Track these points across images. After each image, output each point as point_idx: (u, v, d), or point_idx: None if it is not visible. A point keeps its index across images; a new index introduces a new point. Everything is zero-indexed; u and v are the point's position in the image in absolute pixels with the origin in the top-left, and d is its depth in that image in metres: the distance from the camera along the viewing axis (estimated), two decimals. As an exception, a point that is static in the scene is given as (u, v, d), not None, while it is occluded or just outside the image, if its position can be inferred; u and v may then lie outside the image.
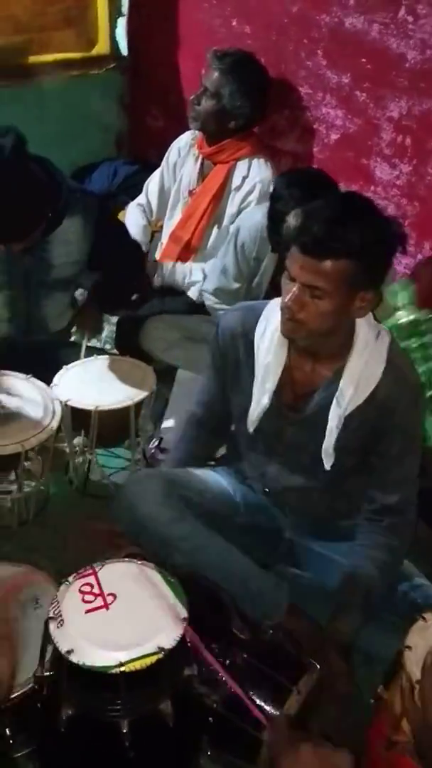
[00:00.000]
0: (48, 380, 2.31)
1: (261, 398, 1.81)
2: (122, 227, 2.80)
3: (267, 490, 1.98)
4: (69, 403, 2.22)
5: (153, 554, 1.80)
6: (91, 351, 2.77)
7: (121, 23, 3.58)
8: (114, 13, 3.55)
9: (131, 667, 1.23)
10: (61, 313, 2.64)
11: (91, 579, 1.39)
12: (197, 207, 2.93)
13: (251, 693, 1.54)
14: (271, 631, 1.66)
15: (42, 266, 2.44)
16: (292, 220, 1.59)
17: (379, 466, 1.80)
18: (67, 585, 1.41)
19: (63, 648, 1.25)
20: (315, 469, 1.83)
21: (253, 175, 2.83)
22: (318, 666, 1.61)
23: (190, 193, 3.00)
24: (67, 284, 2.56)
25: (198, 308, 2.90)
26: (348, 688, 1.71)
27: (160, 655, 1.26)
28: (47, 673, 1.30)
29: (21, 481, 2.18)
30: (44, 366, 2.45)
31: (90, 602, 1.33)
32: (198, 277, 2.88)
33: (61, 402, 2.22)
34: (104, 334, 3.07)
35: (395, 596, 1.83)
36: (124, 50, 3.64)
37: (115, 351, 2.93)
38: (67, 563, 2.07)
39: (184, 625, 1.32)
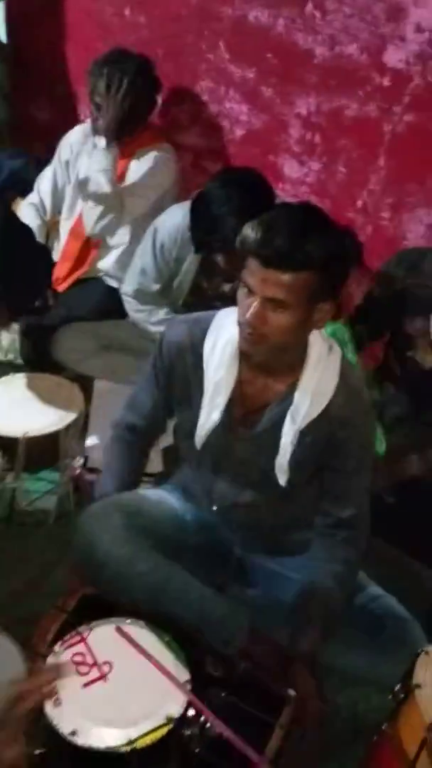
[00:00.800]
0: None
1: (210, 414, 1.75)
2: (28, 231, 2.63)
3: (214, 508, 1.92)
4: (-7, 429, 2.06)
5: (111, 592, 1.71)
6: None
7: (0, 9, 3.35)
8: (-9, -3, 3.32)
9: (142, 743, 1.14)
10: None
11: (82, 647, 1.28)
12: None
13: (234, 733, 1.49)
14: (243, 664, 1.61)
15: None
16: (250, 232, 1.52)
17: (333, 481, 1.78)
18: (55, 655, 1.28)
19: (65, 730, 1.14)
20: (265, 485, 1.79)
21: (158, 169, 2.72)
22: (294, 695, 1.58)
23: None
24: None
25: (108, 313, 2.78)
26: (318, 707, 1.69)
27: (171, 726, 1.17)
28: (37, 751, 1.18)
29: None
30: None
31: (85, 674, 1.22)
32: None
33: (-18, 429, 2.06)
34: (5, 343, 2.89)
35: (353, 609, 1.82)
36: (3, 37, 3.41)
37: (20, 362, 2.77)
38: (2, 605, 1.97)
39: (188, 688, 1.24)
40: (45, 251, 2.62)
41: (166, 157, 2.73)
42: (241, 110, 2.78)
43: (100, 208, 2.68)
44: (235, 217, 2.01)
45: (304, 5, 2.49)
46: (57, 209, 3.00)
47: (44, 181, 3.00)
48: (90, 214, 2.71)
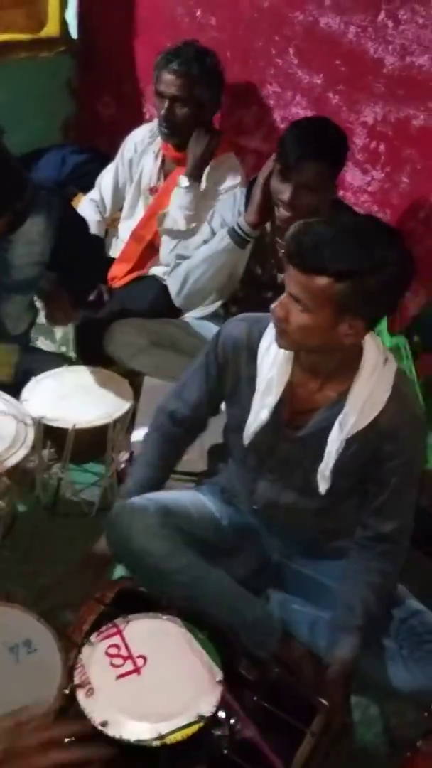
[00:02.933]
0: (10, 390, 2.17)
1: (260, 412, 1.76)
2: (84, 224, 2.66)
3: (255, 507, 1.92)
4: (43, 420, 2.09)
5: (148, 586, 1.73)
6: (53, 356, 2.65)
7: (72, 4, 3.40)
8: (65, -8, 3.37)
9: (172, 738, 1.15)
10: (20, 317, 2.49)
11: (117, 639, 1.29)
12: (160, 205, 2.81)
13: (264, 737, 1.49)
14: (276, 669, 1.61)
15: (2, 268, 2.29)
16: (293, 228, 1.57)
17: (376, 494, 1.76)
18: (90, 646, 1.30)
19: (96, 720, 1.15)
20: (307, 488, 1.78)
21: (227, 185, 2.70)
22: (327, 704, 1.57)
23: (151, 190, 2.89)
24: (27, 286, 2.42)
25: (161, 311, 2.80)
26: (345, 720, 1.68)
27: (201, 724, 1.18)
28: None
29: (-8, 504, 2.05)
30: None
31: (119, 666, 1.24)
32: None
33: (33, 419, 2.09)
34: (59, 335, 2.93)
35: (391, 622, 1.81)
36: (74, 33, 3.46)
37: (72, 354, 2.81)
38: (43, 592, 2.01)
39: (221, 688, 1.24)
40: (99, 242, 2.64)
41: (234, 174, 2.71)
42: (306, 116, 2.77)
43: (174, 242, 2.72)
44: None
45: (377, 14, 2.48)
46: (117, 207, 3.03)
47: (106, 178, 3.02)
48: (166, 244, 2.76)
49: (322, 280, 1.51)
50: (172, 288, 2.53)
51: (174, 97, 2.61)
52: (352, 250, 1.51)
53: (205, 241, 2.43)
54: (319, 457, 1.72)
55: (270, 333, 1.74)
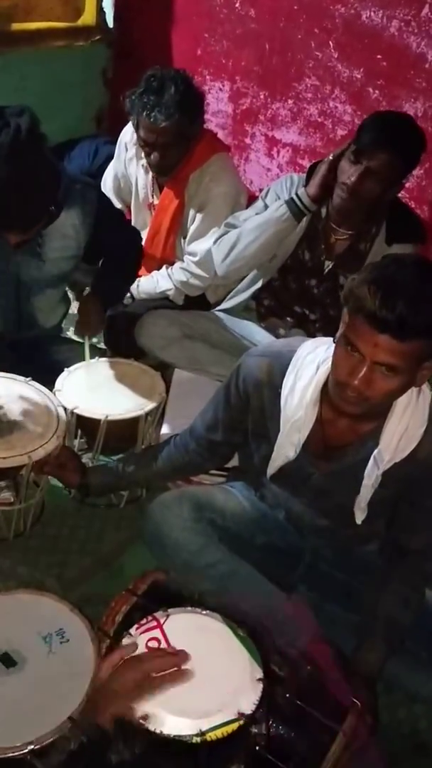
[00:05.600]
0: (44, 380, 2.17)
1: (286, 451, 1.71)
2: (120, 214, 2.65)
3: (286, 516, 1.91)
4: (76, 411, 2.09)
5: (182, 580, 1.72)
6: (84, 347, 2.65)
7: (110, -7, 3.39)
8: (102, -19, 3.36)
9: (212, 735, 1.14)
10: (52, 309, 2.50)
11: (157, 633, 1.28)
12: (161, 224, 2.78)
13: (293, 735, 1.48)
14: (308, 667, 1.59)
15: (35, 261, 2.28)
16: (364, 290, 1.41)
17: (408, 512, 1.73)
18: (130, 638, 1.29)
19: (137, 713, 1.15)
20: (342, 516, 1.75)
21: (212, 194, 2.65)
22: (359, 704, 1.56)
23: (149, 206, 2.83)
24: (60, 280, 2.42)
25: (190, 303, 2.79)
26: (370, 723, 1.66)
27: (242, 722, 1.17)
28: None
29: (22, 493, 2.04)
30: (38, 365, 2.32)
31: (159, 660, 1.23)
32: (166, 285, 2.75)
33: (66, 409, 2.08)
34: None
35: (422, 631, 1.77)
36: (110, 22, 3.44)
37: (103, 346, 2.80)
38: (72, 583, 2.01)
39: (261, 686, 1.23)
40: (136, 235, 2.62)
41: (223, 177, 2.65)
42: (345, 110, 2.75)
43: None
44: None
45: (421, 8, 2.46)
46: (125, 204, 2.96)
47: (108, 179, 2.98)
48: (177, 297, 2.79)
49: (420, 342, 1.42)
50: (218, 255, 2.47)
51: (164, 145, 2.52)
52: None
53: (258, 214, 2.40)
54: (354, 489, 1.68)
55: (294, 372, 1.67)
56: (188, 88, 2.50)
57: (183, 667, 1.25)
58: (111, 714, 1.19)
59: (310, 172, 2.29)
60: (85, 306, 2.39)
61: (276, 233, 2.33)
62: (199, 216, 2.66)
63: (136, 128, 2.56)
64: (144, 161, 2.71)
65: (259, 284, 2.53)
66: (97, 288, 2.46)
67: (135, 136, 2.67)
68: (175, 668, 1.25)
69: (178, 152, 2.56)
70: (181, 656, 1.26)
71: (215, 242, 2.49)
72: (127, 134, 2.80)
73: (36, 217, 2.08)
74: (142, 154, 2.68)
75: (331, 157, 2.23)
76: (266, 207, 2.38)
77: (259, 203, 2.42)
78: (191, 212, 2.69)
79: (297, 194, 2.29)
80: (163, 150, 2.53)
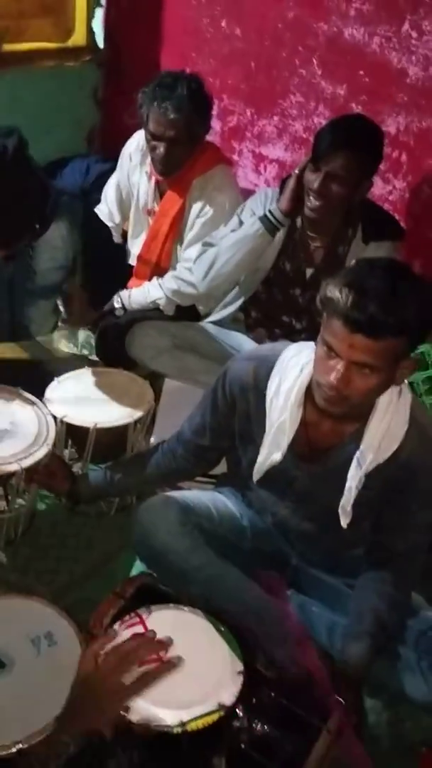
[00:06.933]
0: (33, 391, 2.20)
1: (272, 454, 1.74)
2: (107, 230, 2.70)
3: (274, 522, 1.93)
4: (65, 419, 2.12)
5: (169, 583, 1.74)
6: (74, 359, 2.69)
7: (99, 14, 3.45)
8: (92, 2, 3.41)
9: (194, 726, 1.16)
10: (44, 320, 2.54)
11: (140, 629, 1.31)
12: (159, 230, 2.80)
13: (279, 734, 1.49)
14: (294, 668, 1.62)
15: (26, 273, 2.33)
16: (338, 294, 1.46)
17: (391, 516, 1.75)
18: (113, 634, 1.32)
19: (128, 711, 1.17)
20: (328, 520, 1.76)
21: (213, 204, 2.67)
22: (344, 703, 1.58)
23: (149, 212, 2.86)
24: (51, 291, 2.47)
25: (181, 314, 2.82)
26: (356, 722, 1.68)
27: (222, 713, 1.20)
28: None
29: (13, 500, 2.07)
30: (28, 376, 2.35)
31: (142, 655, 1.25)
32: (158, 294, 2.77)
33: (56, 418, 2.11)
34: (81, 338, 2.96)
35: (409, 633, 1.79)
36: (101, 42, 3.51)
37: (94, 358, 2.84)
38: (62, 590, 2.03)
39: (241, 679, 1.26)
40: (120, 248, 2.67)
41: (222, 192, 2.68)
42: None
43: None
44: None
45: (401, 25, 2.51)
46: (125, 216, 2.98)
47: (110, 190, 3.00)
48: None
49: (393, 341, 1.46)
50: (198, 273, 2.54)
51: (172, 139, 2.55)
52: (414, 299, 1.46)
53: (233, 231, 2.45)
54: (339, 491, 1.70)
55: (278, 375, 1.71)
56: (200, 88, 2.57)
57: (169, 656, 1.27)
58: (108, 719, 1.20)
59: (282, 186, 2.35)
60: (71, 296, 2.43)
61: (252, 249, 2.41)
62: (199, 222, 2.70)
63: (146, 122, 2.59)
64: (148, 168, 2.75)
65: (245, 297, 2.58)
66: (85, 286, 2.50)
67: (141, 144, 2.74)
68: (162, 659, 1.27)
69: (183, 150, 2.59)
70: (163, 643, 1.28)
71: (194, 261, 2.55)
72: (132, 144, 2.86)
73: (17, 234, 2.13)
74: (147, 161, 2.73)
75: (297, 171, 2.30)
76: (241, 223, 2.45)
77: (234, 220, 2.49)
78: (191, 219, 2.72)
79: (270, 210, 2.36)
80: (170, 144, 2.56)
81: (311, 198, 2.25)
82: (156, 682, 1.23)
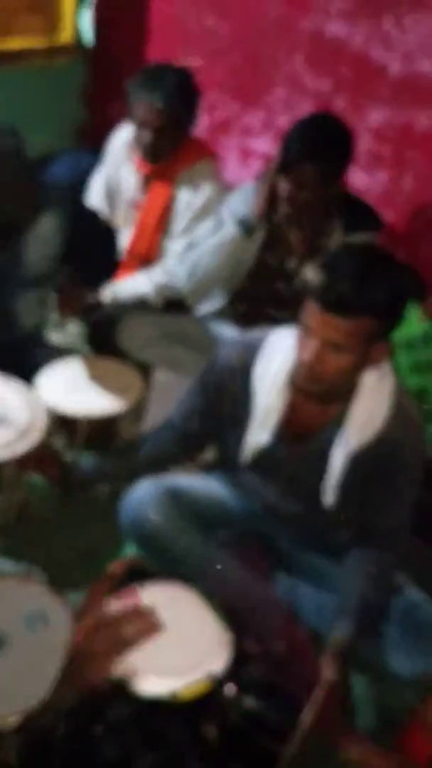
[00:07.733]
0: (24, 379, 2.24)
1: (259, 436, 1.79)
2: (96, 219, 2.74)
3: (261, 506, 1.98)
4: (57, 408, 2.16)
5: (158, 565, 1.79)
6: (65, 352, 2.72)
7: (87, 12, 3.49)
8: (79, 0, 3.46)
9: (185, 694, 1.21)
10: (33, 311, 2.57)
11: (133, 602, 1.36)
12: (147, 223, 2.83)
13: (266, 709, 1.54)
14: (281, 647, 1.67)
15: (16, 264, 2.37)
16: (312, 275, 1.55)
17: (376, 495, 1.80)
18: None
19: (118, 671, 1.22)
20: (314, 501, 1.82)
21: (200, 195, 2.73)
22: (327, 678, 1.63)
23: (136, 205, 2.89)
24: (41, 281, 2.50)
25: (171, 305, 2.86)
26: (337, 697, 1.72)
27: (212, 681, 1.24)
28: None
29: (5, 489, 2.11)
30: (17, 366, 2.38)
31: (132, 625, 1.30)
32: (146, 289, 2.80)
33: (47, 407, 2.15)
34: (72, 330, 3.00)
35: (394, 611, 1.85)
36: (88, 40, 3.55)
37: (85, 348, 2.87)
38: (56, 577, 2.05)
39: (231, 649, 1.31)
40: (111, 236, 2.70)
41: (206, 186, 2.72)
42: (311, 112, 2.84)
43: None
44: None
45: (382, 21, 2.56)
46: (113, 208, 2.99)
47: (96, 184, 3.02)
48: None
49: (365, 321, 1.52)
50: (181, 276, 2.60)
51: (159, 127, 2.58)
52: (386, 281, 1.52)
53: (214, 234, 2.50)
54: (324, 472, 1.76)
55: (265, 358, 1.76)
56: (188, 79, 2.61)
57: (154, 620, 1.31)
58: (97, 675, 1.25)
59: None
60: (61, 288, 2.47)
61: (233, 252, 2.47)
62: (186, 214, 2.74)
63: (134, 110, 2.61)
64: (134, 162, 2.77)
65: (231, 291, 2.62)
66: (76, 275, 2.54)
67: (127, 138, 2.77)
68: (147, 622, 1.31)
69: (169, 138, 2.62)
70: (152, 613, 1.32)
71: (178, 259, 2.61)
72: (119, 138, 2.89)
73: (8, 230, 2.16)
74: (133, 155, 2.76)
75: (268, 174, 2.34)
76: (222, 222, 2.49)
77: (215, 218, 2.54)
78: (178, 211, 2.76)
79: (245, 215, 2.41)
80: (157, 132, 2.59)
81: (282, 204, 2.30)
82: (142, 642, 1.27)
